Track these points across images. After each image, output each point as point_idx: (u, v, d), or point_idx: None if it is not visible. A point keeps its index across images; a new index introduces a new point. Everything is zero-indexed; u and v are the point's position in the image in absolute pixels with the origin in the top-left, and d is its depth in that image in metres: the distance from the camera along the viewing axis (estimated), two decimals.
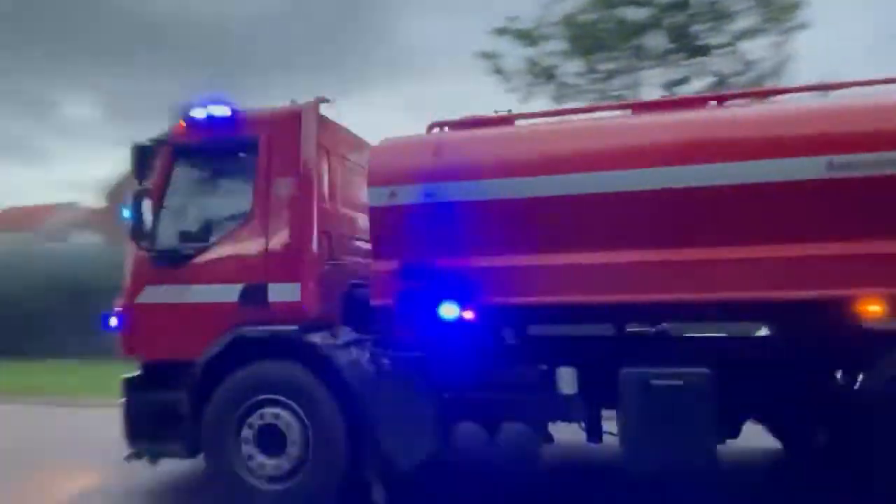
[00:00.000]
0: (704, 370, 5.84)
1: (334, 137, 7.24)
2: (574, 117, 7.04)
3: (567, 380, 6.23)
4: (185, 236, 6.98)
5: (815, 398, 6.14)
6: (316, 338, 6.56)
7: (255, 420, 6.56)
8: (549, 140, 6.36)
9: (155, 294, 6.98)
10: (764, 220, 5.79)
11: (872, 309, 5.71)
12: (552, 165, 6.12)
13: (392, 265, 6.41)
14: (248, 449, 6.60)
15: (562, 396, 6.23)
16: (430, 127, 6.90)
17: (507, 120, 6.86)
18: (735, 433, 6.47)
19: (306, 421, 6.44)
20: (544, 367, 6.37)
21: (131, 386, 7.04)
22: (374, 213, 6.50)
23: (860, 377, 5.96)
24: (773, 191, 5.75)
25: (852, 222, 5.67)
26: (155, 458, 7.09)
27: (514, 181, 6.18)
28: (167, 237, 7.04)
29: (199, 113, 7.05)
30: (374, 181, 6.50)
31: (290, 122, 6.93)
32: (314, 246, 6.81)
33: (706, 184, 5.82)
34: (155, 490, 7.51)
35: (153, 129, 7.06)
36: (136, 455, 7.05)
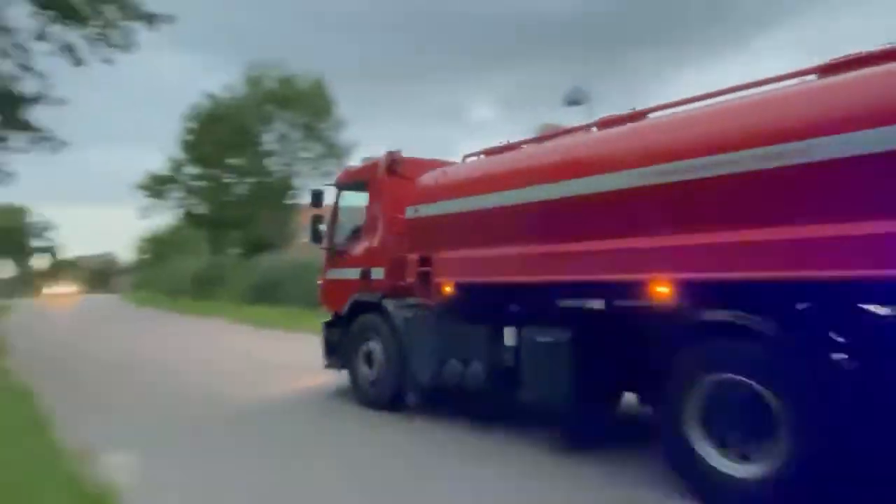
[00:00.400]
0: (569, 333, 7.91)
1: (409, 169, 10.86)
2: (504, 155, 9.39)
3: (509, 335, 8.83)
4: (339, 240, 11.83)
5: (631, 365, 7.61)
6: (389, 302, 10.73)
7: (364, 348, 11.12)
8: (483, 169, 9.31)
9: (331, 273, 11.99)
10: (595, 222, 7.59)
11: (660, 290, 7.00)
12: (480, 188, 9.06)
13: (414, 257, 10.09)
14: (359, 364, 11.13)
15: (505, 347, 8.86)
16: (465, 157, 10.03)
17: (508, 147, 9.39)
18: (611, 391, 8.19)
19: (383, 348, 10.75)
20: (493, 326, 9.01)
21: (325, 325, 12.06)
22: (407, 223, 10.17)
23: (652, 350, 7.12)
24: (599, 199, 7.57)
25: (650, 221, 7.08)
26: (339, 368, 11.71)
27: (462, 200, 9.30)
28: (333, 241, 11.93)
29: (352, 163, 12.38)
30: (410, 202, 10.15)
31: (373, 167, 11.24)
32: (382, 246, 11.04)
33: (563, 196, 7.93)
34: (343, 387, 12.27)
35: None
36: (329, 365, 11.91)
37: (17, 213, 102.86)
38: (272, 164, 43.41)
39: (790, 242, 6.09)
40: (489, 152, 9.75)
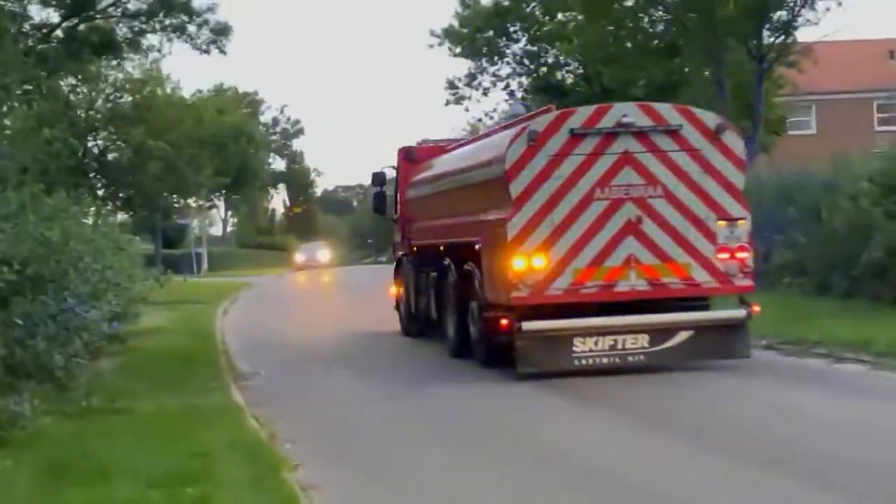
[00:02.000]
0: (444, 266, 15.90)
1: (422, 154, 18.61)
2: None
3: (433, 277, 16.67)
4: (391, 212, 20.22)
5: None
6: (404, 258, 19.15)
7: (398, 293, 20.10)
8: (430, 167, 17.64)
9: (395, 236, 20.68)
10: (448, 207, 15.61)
11: (477, 247, 13.77)
12: (425, 181, 17.50)
13: (401, 229, 19.19)
14: (400, 305, 20.22)
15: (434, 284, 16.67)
16: (418, 142, 20.10)
17: (440, 150, 18.79)
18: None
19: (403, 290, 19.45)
20: (427, 271, 16.82)
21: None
22: (407, 200, 18.57)
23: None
24: (449, 192, 15.74)
25: (467, 207, 14.41)
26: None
27: (419, 188, 17.89)
28: (390, 213, 20.18)
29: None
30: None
31: (398, 156, 19.50)
32: (399, 219, 19.32)
33: (435, 191, 16.45)
34: None
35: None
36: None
37: (234, 102, 77.61)
38: None
39: (464, 224, 14.56)
40: (431, 150, 19.04)
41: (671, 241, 12.93)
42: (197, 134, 48.07)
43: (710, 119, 13.39)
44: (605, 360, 12.83)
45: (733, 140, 13.31)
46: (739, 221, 13.13)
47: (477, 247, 13.69)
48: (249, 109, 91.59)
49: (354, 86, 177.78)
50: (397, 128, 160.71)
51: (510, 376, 12.66)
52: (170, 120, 44.59)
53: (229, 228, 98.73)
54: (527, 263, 12.62)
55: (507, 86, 46.83)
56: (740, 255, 13.07)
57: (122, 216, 45.38)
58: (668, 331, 13.00)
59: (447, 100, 48.08)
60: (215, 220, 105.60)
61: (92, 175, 43.17)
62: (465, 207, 14.60)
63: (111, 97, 45.36)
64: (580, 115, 13.01)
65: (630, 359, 12.90)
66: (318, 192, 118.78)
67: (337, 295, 38.01)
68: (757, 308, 13.03)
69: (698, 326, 13.04)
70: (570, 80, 45.01)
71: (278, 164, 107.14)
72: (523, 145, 12.83)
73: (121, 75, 44.23)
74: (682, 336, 13.05)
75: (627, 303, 12.87)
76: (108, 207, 43.96)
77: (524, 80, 46.47)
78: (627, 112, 13.06)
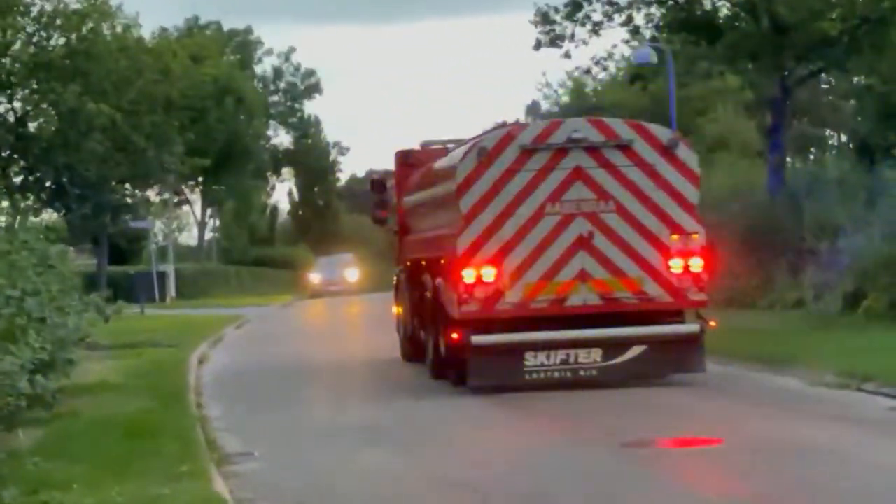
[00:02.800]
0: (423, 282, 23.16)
1: (425, 157, 24.75)
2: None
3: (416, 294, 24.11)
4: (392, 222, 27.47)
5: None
6: (400, 271, 27.79)
7: (396, 312, 28.02)
8: (414, 177, 25.37)
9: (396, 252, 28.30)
10: (427, 220, 23.01)
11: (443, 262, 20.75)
12: (410, 190, 25.40)
13: (398, 241, 27.28)
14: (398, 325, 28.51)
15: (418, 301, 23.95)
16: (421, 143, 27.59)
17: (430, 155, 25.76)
18: None
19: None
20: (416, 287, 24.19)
21: None
22: (402, 209, 26.13)
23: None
24: (425, 204, 23.63)
25: (435, 221, 21.95)
26: None
27: (406, 198, 25.69)
28: (393, 224, 27.47)
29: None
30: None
31: (396, 159, 27.19)
32: (398, 231, 26.93)
33: (419, 202, 23.98)
34: None
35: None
36: None
37: (216, 45, 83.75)
38: None
39: (434, 238, 21.94)
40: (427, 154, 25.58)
41: (623, 256, 19.25)
42: (161, 93, 48.53)
43: (663, 134, 19.47)
44: (556, 375, 19.29)
45: (686, 154, 19.70)
46: (693, 235, 19.40)
47: (443, 261, 20.26)
48: (239, 56, 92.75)
49: (394, 15, 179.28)
50: (461, 84, 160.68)
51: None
52: (121, 72, 45.15)
53: (209, 235, 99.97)
54: (476, 278, 19.20)
55: (629, 20, 46.42)
56: (694, 269, 19.31)
57: (49, 215, 45.78)
58: (622, 345, 19.36)
59: (538, 40, 47.84)
60: (188, 222, 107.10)
61: (5, 154, 43.82)
62: (434, 221, 21.47)
63: (34, 38, 45.82)
64: (531, 131, 20.11)
65: (582, 373, 19.26)
66: (342, 179, 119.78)
67: (369, 332, 38.22)
68: (713, 323, 19.07)
69: (652, 341, 19.33)
70: (725, 10, 44.51)
71: (282, 138, 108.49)
72: (473, 161, 19.35)
73: (48, 5, 44.66)
74: (636, 351, 19.44)
75: (581, 317, 19.24)
76: (30, 202, 44.40)
77: (655, 10, 46.12)
78: (578, 127, 19.55)
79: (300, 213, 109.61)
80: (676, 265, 19.81)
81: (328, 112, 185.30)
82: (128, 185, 53.12)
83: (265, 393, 22.11)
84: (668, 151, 19.68)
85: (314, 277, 77.08)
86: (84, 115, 42.31)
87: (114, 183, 48.83)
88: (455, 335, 19.53)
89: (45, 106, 45.59)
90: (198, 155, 58.41)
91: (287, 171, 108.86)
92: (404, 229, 25.94)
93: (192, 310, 54.53)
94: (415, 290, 24.41)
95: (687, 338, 19.70)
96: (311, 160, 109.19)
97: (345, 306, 56.43)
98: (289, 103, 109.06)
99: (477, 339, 19.10)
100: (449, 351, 20.29)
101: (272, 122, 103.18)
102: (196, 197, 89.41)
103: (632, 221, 19.52)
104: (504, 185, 19.56)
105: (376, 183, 28.81)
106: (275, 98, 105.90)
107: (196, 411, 18.65)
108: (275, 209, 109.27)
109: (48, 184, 45.16)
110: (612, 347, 19.53)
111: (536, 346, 19.50)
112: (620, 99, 70.02)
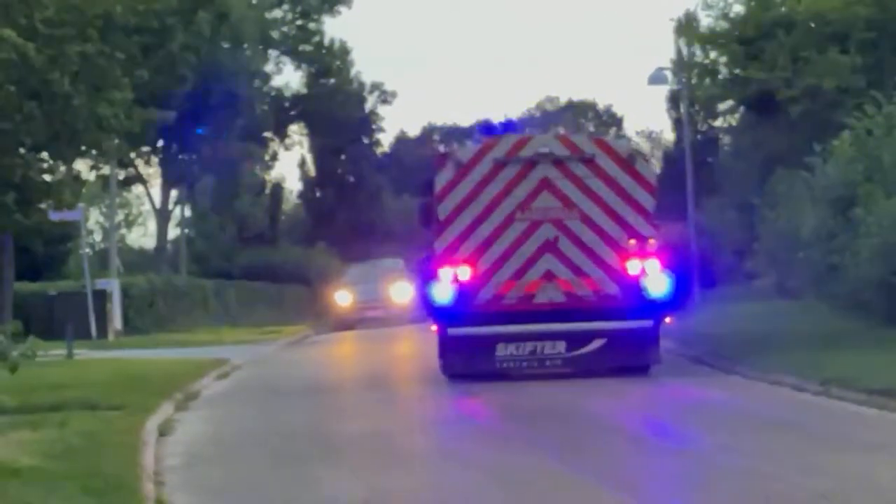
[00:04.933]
0: None
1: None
2: None
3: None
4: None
5: None
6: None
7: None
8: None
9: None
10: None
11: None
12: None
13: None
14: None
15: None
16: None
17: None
18: None
19: None
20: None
21: None
22: None
23: None
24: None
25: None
26: None
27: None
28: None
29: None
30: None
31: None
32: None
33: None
34: None
35: None
36: None
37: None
38: None
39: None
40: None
41: (585, 258, 35.24)
42: (96, 7, 48.86)
43: (624, 148, 36.84)
44: (524, 364, 36.23)
45: (643, 167, 36.41)
46: (649, 239, 35.41)
47: (425, 263, 36.98)
48: None
49: None
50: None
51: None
52: None
53: (175, 231, 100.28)
54: (453, 276, 35.28)
55: None
56: (649, 269, 35.37)
57: None
58: (584, 338, 35.59)
59: None
60: (141, 212, 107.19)
61: None
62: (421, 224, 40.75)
63: None
64: (503, 146, 36.38)
65: (548, 363, 35.98)
66: (385, 142, 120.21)
67: (425, 388, 38.67)
68: (669, 319, 35.97)
69: (611, 335, 35.39)
70: None
71: (289, 76, 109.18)
72: (451, 172, 35.69)
73: None
74: (597, 343, 35.73)
75: (547, 313, 35.35)
76: None
77: None
78: (546, 143, 36.33)
79: (318, 195, 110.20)
80: (634, 266, 36.17)
81: (361, 37, 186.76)
82: (43, 154, 53.36)
83: (265, 484, 22.10)
84: (627, 164, 36.41)
85: (342, 297, 77.60)
86: None
87: (21, 150, 49.06)
88: (434, 328, 37.11)
89: None
90: (155, 105, 58.71)
91: (297, 130, 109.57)
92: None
93: (147, 350, 55.01)
94: None
95: (643, 332, 36.38)
96: (335, 112, 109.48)
97: (390, 344, 56.49)
98: (299, 22, 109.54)
99: (452, 330, 36.22)
100: (438, 343, 37.48)
101: (273, 52, 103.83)
102: (154, 172, 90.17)
103: (593, 227, 36.16)
104: (478, 194, 36.28)
105: (424, 185, 41.47)
106: (277, 14, 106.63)
107: None
108: (278, 189, 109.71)
109: None
110: (575, 340, 36.44)
111: (507, 339, 36.41)
112: (827, 6, 71.41)
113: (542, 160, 35.78)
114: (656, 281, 35.78)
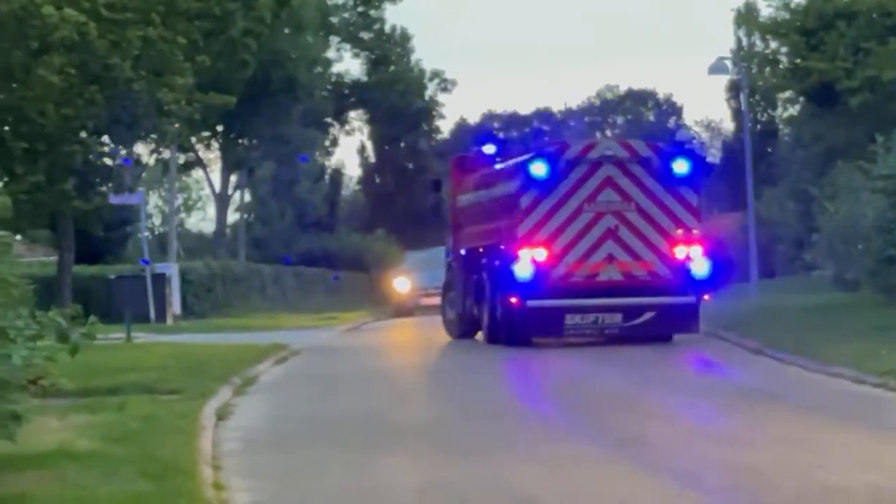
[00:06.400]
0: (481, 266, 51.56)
1: (473, 163, 55.88)
2: None
3: (474, 277, 51.67)
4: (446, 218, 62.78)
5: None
6: (451, 262, 57.85)
7: (449, 296, 55.96)
8: (471, 179, 55.98)
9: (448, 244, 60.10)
10: (484, 214, 52.33)
11: (502, 247, 48.66)
12: (465, 190, 56.00)
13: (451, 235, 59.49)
14: (448, 308, 56.05)
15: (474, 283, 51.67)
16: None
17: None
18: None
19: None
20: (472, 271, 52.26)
21: None
22: (458, 207, 57.21)
23: None
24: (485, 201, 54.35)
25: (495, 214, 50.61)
26: None
27: (462, 197, 56.61)
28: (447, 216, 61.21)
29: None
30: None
31: (451, 164, 62.08)
32: (450, 223, 58.23)
33: (473, 203, 54.63)
34: None
35: None
36: None
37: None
38: None
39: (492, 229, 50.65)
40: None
41: (641, 244, 45.34)
42: None
43: (672, 151, 47.07)
44: (587, 332, 46.64)
45: (689, 167, 46.11)
46: (693, 229, 45.99)
47: (502, 246, 46.20)
48: None
49: None
50: None
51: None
52: None
53: (234, 216, 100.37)
54: (531, 257, 44.78)
55: None
56: (693, 254, 45.68)
57: None
58: (637, 311, 45.55)
59: None
60: (201, 197, 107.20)
61: None
62: (494, 215, 48.67)
63: None
64: (574, 149, 46.64)
65: (606, 332, 46.51)
66: (445, 130, 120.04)
67: (480, 380, 38.58)
68: (707, 297, 46.42)
69: (660, 308, 45.56)
70: None
71: (349, 63, 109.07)
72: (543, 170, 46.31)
73: None
74: (648, 315, 45.64)
75: (607, 289, 45.17)
76: None
77: None
78: (609, 146, 47.53)
79: (377, 181, 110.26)
80: (680, 251, 45.44)
81: (422, 24, 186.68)
82: (104, 138, 53.41)
83: (322, 470, 22.13)
84: (676, 165, 45.78)
85: (401, 284, 77.62)
86: (36, 25, 42.56)
87: (82, 134, 49.07)
88: (514, 300, 44.91)
89: None
90: (216, 90, 58.72)
91: (357, 116, 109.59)
92: (458, 224, 53.56)
93: (206, 334, 55.04)
94: (471, 274, 50.65)
95: (687, 307, 45.73)
96: (396, 99, 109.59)
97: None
98: (360, 9, 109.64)
99: (532, 302, 44.73)
100: (504, 315, 45.98)
101: (333, 39, 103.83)
102: (214, 157, 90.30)
103: (647, 218, 45.28)
104: (553, 190, 45.20)
105: (434, 183, 56.68)
106: (338, 0, 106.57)
107: (213, 497, 18.56)
108: (338, 176, 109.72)
109: None
110: (630, 312, 45.50)
111: (574, 310, 45.28)
112: None
113: (605, 161, 45.26)
114: (699, 264, 45.46)
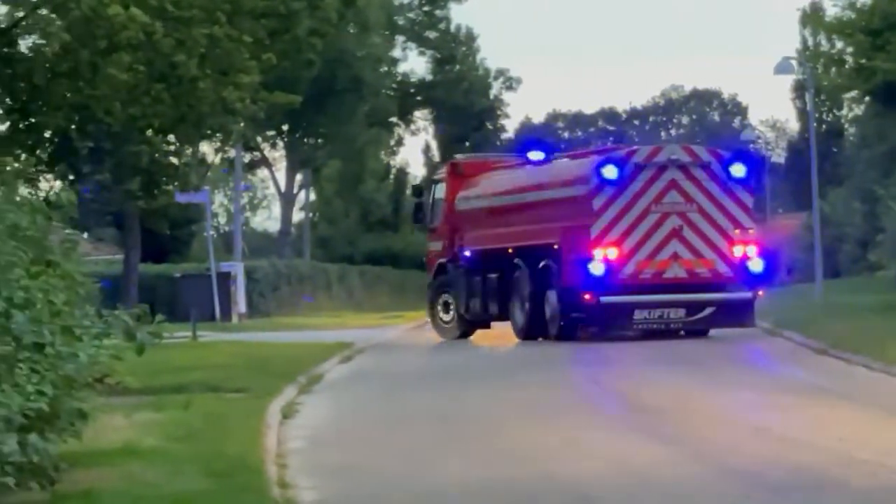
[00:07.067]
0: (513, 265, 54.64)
1: (469, 168, 61.03)
2: None
3: (493, 277, 55.23)
4: (432, 221, 62.12)
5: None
6: (449, 264, 59.06)
7: (441, 299, 58.44)
8: (482, 183, 60.29)
9: (430, 245, 62.73)
10: (522, 215, 56.27)
11: (556, 246, 51.81)
12: (478, 193, 59.67)
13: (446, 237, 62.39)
14: (440, 311, 58.99)
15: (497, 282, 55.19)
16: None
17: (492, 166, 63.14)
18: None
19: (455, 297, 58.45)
20: (489, 272, 55.79)
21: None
22: (456, 210, 59.80)
23: None
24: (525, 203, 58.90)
25: (547, 215, 54.04)
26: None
27: (473, 200, 60.06)
28: (430, 221, 62.17)
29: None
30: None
31: (446, 169, 63.91)
32: (445, 226, 60.30)
33: (498, 205, 58.39)
34: None
35: None
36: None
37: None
38: None
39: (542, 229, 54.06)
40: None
41: (703, 244, 48.94)
42: None
43: (730, 156, 50.95)
44: (654, 326, 49.35)
45: (746, 171, 50.15)
46: (749, 230, 49.81)
47: (556, 246, 49.85)
48: None
49: None
50: None
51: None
52: None
53: (299, 215, 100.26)
54: (604, 255, 47.86)
55: None
56: (750, 253, 49.44)
57: (49, 182, 45.99)
58: (699, 306, 49.20)
59: None
60: (266, 196, 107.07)
61: None
62: (546, 216, 51.98)
63: None
64: (641, 153, 50.11)
65: (672, 325, 49.58)
66: (510, 129, 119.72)
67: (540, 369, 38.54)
68: (762, 293, 50.73)
69: (720, 304, 49.29)
70: None
71: (414, 62, 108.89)
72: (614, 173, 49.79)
73: None
74: (709, 310, 49.27)
75: (672, 285, 48.80)
76: (17, 164, 44.61)
77: None
78: (674, 151, 50.50)
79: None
80: (738, 250, 48.80)
81: (487, 23, 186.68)
82: (170, 136, 53.49)
83: (385, 468, 22.15)
84: (734, 169, 49.20)
85: None
86: (103, 25, 42.56)
87: (148, 132, 49.18)
88: (587, 296, 47.45)
89: (43, 12, 46.04)
90: (281, 89, 58.74)
91: (422, 116, 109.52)
92: (458, 226, 57.52)
93: (271, 333, 55.15)
94: (487, 274, 54.19)
95: (744, 302, 49.31)
96: (460, 98, 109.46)
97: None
98: (426, 8, 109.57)
99: (605, 298, 47.36)
100: (565, 311, 48.96)
101: (399, 38, 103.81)
102: (279, 156, 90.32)
103: (708, 219, 48.57)
104: (622, 192, 47.97)
105: (416, 188, 61.87)
106: (403, 0, 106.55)
107: (279, 495, 18.61)
108: (402, 175, 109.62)
109: (47, 133, 45.64)
110: (693, 308, 48.68)
111: (642, 306, 48.30)
112: None
113: (670, 165, 48.71)
114: (755, 262, 49.17)
